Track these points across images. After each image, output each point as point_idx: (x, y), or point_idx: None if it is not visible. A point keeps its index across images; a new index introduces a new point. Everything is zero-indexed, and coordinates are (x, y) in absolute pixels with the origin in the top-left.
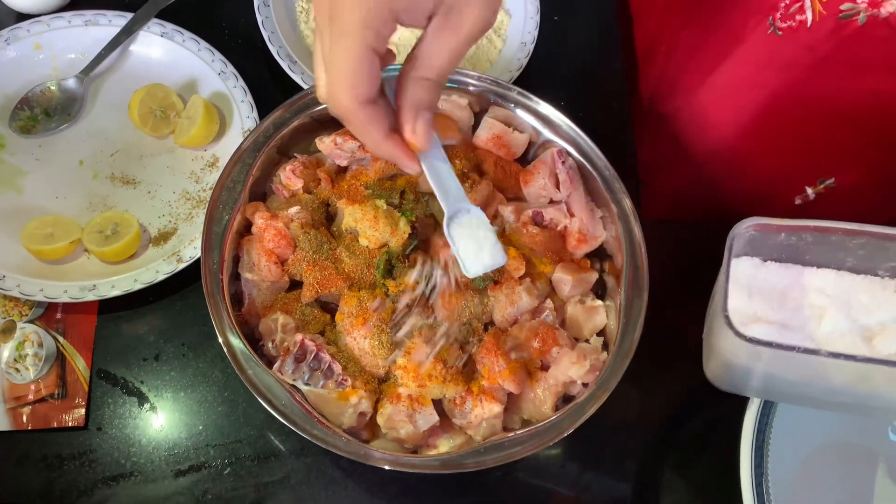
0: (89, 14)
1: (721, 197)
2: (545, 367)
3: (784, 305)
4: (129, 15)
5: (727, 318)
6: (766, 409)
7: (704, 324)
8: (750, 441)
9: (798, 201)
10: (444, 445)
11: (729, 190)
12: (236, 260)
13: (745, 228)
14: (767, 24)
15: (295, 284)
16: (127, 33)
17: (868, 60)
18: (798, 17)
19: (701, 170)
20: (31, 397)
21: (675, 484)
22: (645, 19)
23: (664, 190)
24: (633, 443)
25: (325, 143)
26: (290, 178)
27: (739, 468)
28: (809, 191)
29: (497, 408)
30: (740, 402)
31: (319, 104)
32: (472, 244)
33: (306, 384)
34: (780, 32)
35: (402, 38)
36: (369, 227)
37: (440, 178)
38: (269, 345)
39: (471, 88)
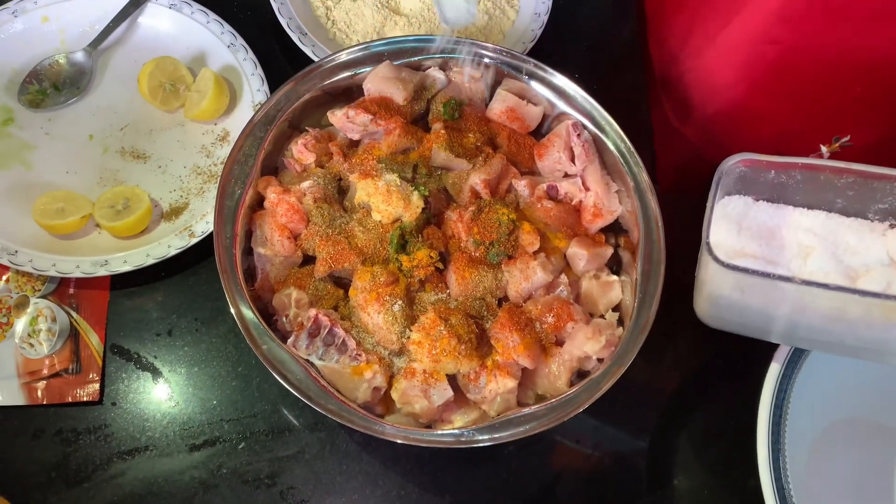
0: None
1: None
2: (560, 343)
3: (771, 243)
4: None
5: (708, 245)
6: (784, 384)
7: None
8: (767, 414)
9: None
10: (459, 420)
11: (740, 150)
12: (249, 235)
13: (733, 164)
14: None
15: (308, 259)
16: (135, 5)
17: (887, 8)
18: None
19: (711, 132)
20: (45, 372)
21: (689, 459)
22: None
23: (675, 159)
24: (649, 418)
25: (336, 117)
26: (302, 151)
27: (756, 442)
28: (824, 149)
29: (511, 383)
30: (758, 378)
31: (331, 77)
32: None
33: (321, 359)
34: None
35: (413, 10)
36: (382, 201)
37: None
38: (284, 319)
39: (485, 60)
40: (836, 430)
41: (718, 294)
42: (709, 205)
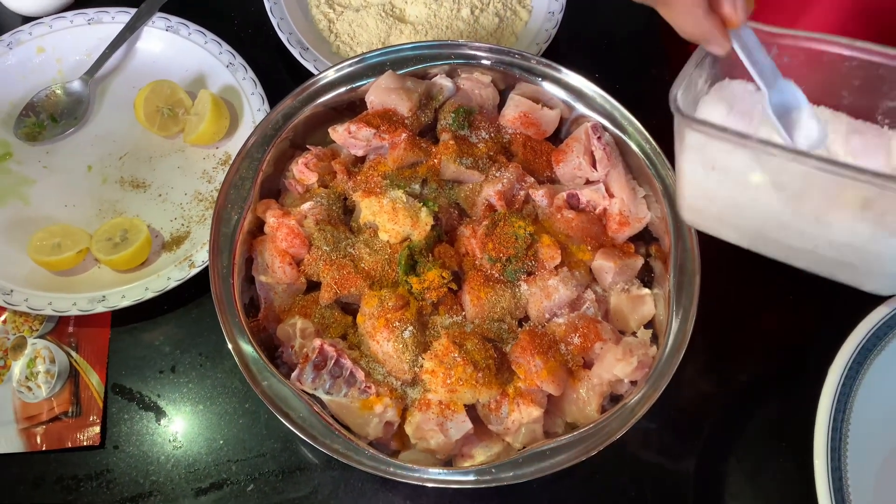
0: (92, 12)
1: None
2: (588, 365)
3: (762, 129)
4: (133, 10)
5: (674, 101)
6: (843, 400)
7: None
8: (824, 440)
9: None
10: (481, 455)
11: None
12: (250, 263)
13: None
14: None
15: (313, 286)
16: (131, 30)
17: None
18: None
19: None
20: (44, 416)
21: (740, 486)
22: None
23: None
24: (692, 442)
25: (338, 133)
26: (302, 171)
27: (814, 469)
28: None
29: (536, 411)
30: (811, 393)
31: (331, 91)
32: (795, 118)
33: (327, 393)
34: None
35: (419, 17)
36: (388, 219)
37: (751, 50)
38: (290, 351)
39: (485, 62)
40: None
41: (690, 176)
42: (691, 59)
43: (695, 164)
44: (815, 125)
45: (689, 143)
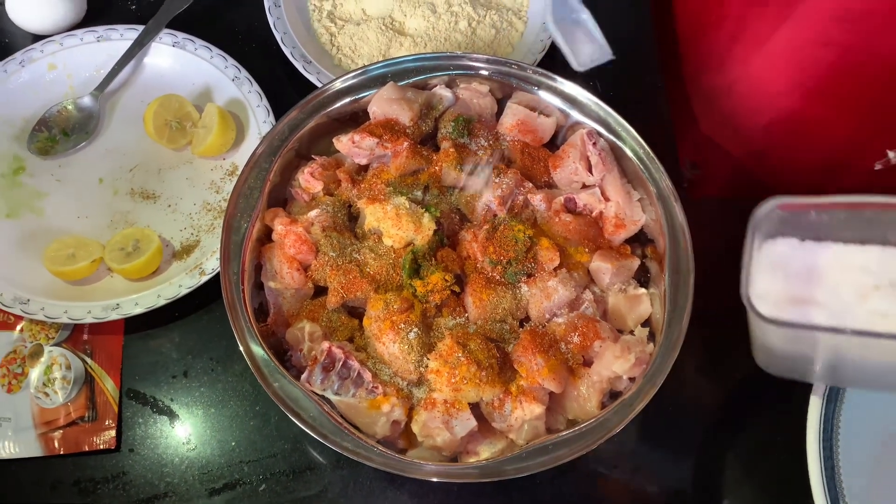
0: (101, 30)
1: (789, 167)
2: (588, 363)
3: (822, 286)
4: (141, 27)
5: (749, 301)
6: (833, 396)
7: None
8: (816, 431)
9: (878, 167)
10: (486, 451)
11: (798, 160)
12: (259, 269)
13: (768, 210)
14: None
15: (321, 291)
16: (139, 46)
17: None
18: None
19: (765, 142)
20: (61, 421)
21: (739, 480)
22: None
23: (722, 168)
24: (691, 438)
25: (342, 143)
26: (308, 180)
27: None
28: (891, 154)
29: (538, 408)
30: (807, 387)
31: (335, 102)
32: (579, 37)
33: (336, 394)
34: None
35: (418, 29)
36: (392, 225)
37: None
38: (298, 354)
39: (483, 72)
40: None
41: (772, 346)
42: (745, 256)
43: (775, 340)
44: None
45: (769, 329)
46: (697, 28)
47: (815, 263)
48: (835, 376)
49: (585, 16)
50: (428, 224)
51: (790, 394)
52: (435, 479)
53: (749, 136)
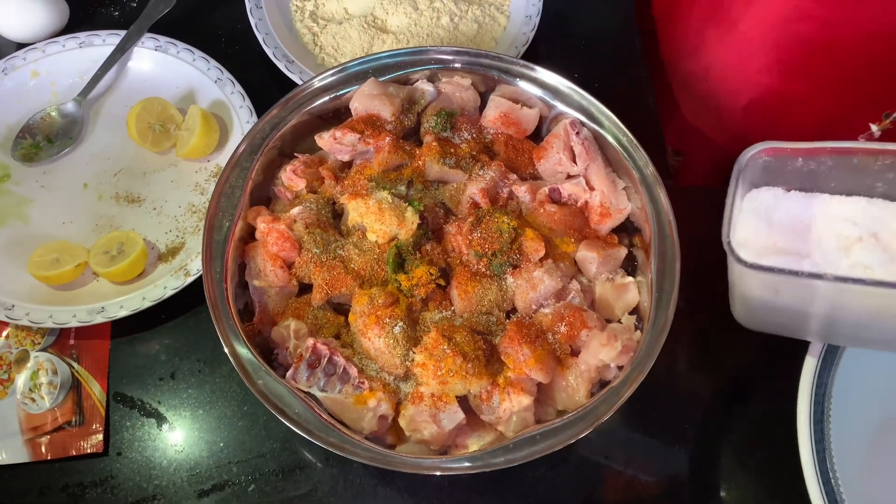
0: (83, 36)
1: None
2: (575, 353)
3: (807, 236)
4: (123, 33)
5: (729, 246)
6: (823, 377)
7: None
8: (807, 413)
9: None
10: (474, 444)
11: (780, 139)
12: (243, 268)
13: (754, 154)
14: None
15: (306, 288)
16: (121, 51)
17: None
18: None
19: (745, 124)
20: (48, 426)
21: (733, 468)
22: None
23: (704, 155)
24: (685, 427)
25: (324, 140)
26: (291, 178)
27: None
28: (874, 128)
29: (526, 400)
30: (799, 374)
31: (316, 100)
32: None
33: (322, 390)
34: None
35: (400, 26)
36: (375, 220)
37: None
38: (285, 353)
39: (463, 66)
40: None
41: (750, 295)
42: (728, 200)
43: (753, 288)
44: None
45: (748, 276)
46: (672, 12)
47: (800, 213)
48: (812, 329)
49: None
50: (411, 218)
51: (784, 379)
52: (421, 472)
53: (729, 119)
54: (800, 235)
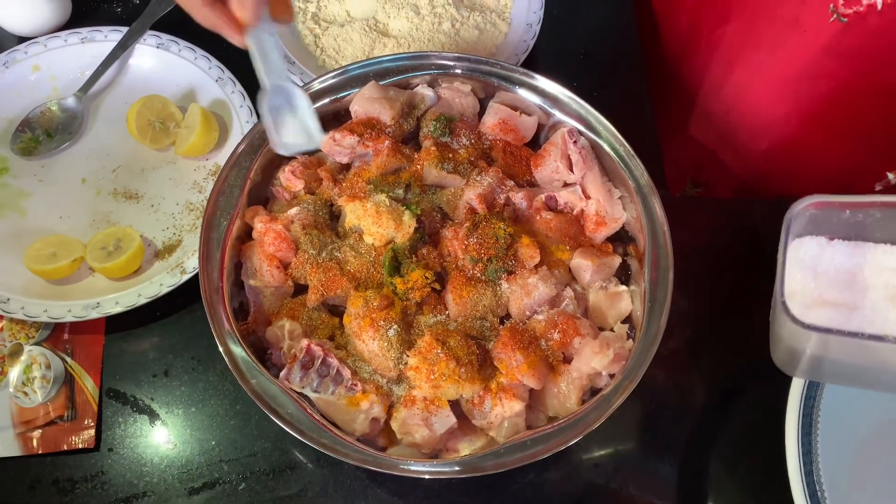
0: (85, 31)
1: (789, 190)
2: (568, 360)
3: (853, 287)
4: (125, 29)
5: (784, 305)
6: (813, 387)
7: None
8: (795, 425)
9: (878, 187)
10: (465, 448)
11: (798, 183)
12: (240, 267)
13: (803, 208)
14: (829, 11)
15: (301, 289)
16: (123, 47)
17: None
18: (865, 1)
19: (763, 165)
20: (40, 421)
21: (722, 479)
22: (674, 15)
23: (723, 189)
24: (675, 437)
25: (323, 141)
26: (289, 179)
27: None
28: (891, 176)
29: (518, 405)
30: (787, 385)
31: (316, 102)
32: (291, 122)
33: (315, 391)
34: (845, 19)
35: (402, 31)
36: (372, 223)
37: (265, 52)
38: (279, 353)
39: (463, 72)
40: (884, 436)
41: (799, 349)
42: (780, 258)
43: (803, 343)
44: (316, 133)
45: (801, 333)
46: (689, 50)
47: (846, 263)
48: (863, 380)
49: (303, 102)
50: (408, 222)
51: (773, 390)
52: (412, 475)
53: (750, 159)
54: (847, 286)
